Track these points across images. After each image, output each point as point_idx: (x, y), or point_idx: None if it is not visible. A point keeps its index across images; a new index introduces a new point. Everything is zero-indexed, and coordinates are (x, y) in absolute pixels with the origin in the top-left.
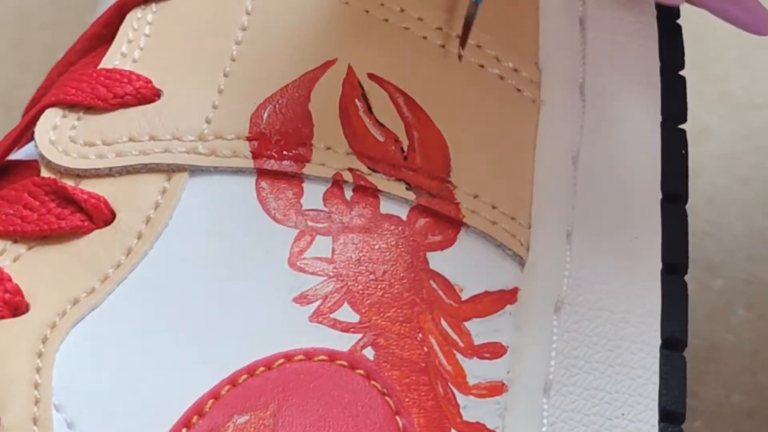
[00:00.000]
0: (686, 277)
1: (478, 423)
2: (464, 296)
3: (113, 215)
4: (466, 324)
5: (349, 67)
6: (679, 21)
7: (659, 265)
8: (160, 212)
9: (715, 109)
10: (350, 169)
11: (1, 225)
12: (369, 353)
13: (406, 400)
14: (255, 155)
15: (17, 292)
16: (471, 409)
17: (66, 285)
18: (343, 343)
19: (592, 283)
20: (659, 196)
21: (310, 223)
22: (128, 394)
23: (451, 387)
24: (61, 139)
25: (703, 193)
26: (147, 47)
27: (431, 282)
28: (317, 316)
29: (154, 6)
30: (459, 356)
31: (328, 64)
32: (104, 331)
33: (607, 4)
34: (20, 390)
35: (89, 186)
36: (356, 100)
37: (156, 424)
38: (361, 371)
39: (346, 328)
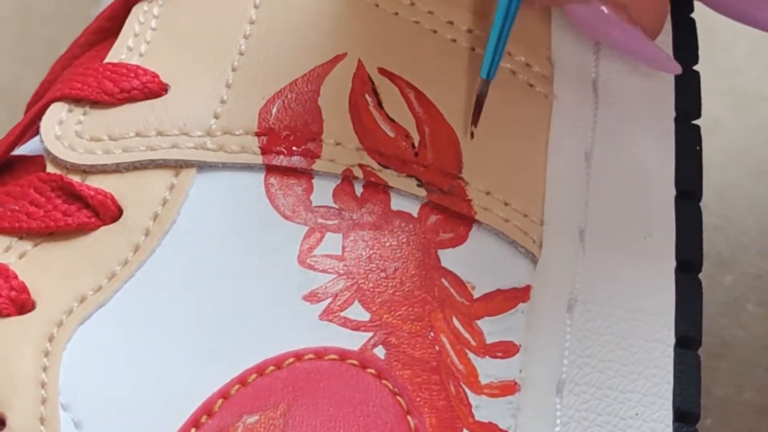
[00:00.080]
0: None
1: (490, 423)
2: (476, 294)
3: (120, 212)
4: (478, 322)
5: (359, 61)
6: (692, 15)
7: (673, 263)
8: (168, 208)
9: (725, 102)
10: (360, 165)
11: (7, 221)
12: (380, 352)
13: (418, 399)
14: (264, 151)
15: (23, 289)
16: (483, 408)
17: (73, 282)
18: (353, 341)
19: (605, 281)
20: (673, 192)
21: (320, 220)
22: (136, 394)
23: (463, 386)
24: (67, 134)
25: (714, 188)
26: (154, 41)
27: (443, 280)
28: (327, 315)
29: None
30: (471, 355)
31: (337, 59)
32: (112, 329)
33: None
34: (27, 389)
35: (96, 182)
36: (366, 95)
37: (165, 424)
38: (372, 370)
39: (357, 326)
